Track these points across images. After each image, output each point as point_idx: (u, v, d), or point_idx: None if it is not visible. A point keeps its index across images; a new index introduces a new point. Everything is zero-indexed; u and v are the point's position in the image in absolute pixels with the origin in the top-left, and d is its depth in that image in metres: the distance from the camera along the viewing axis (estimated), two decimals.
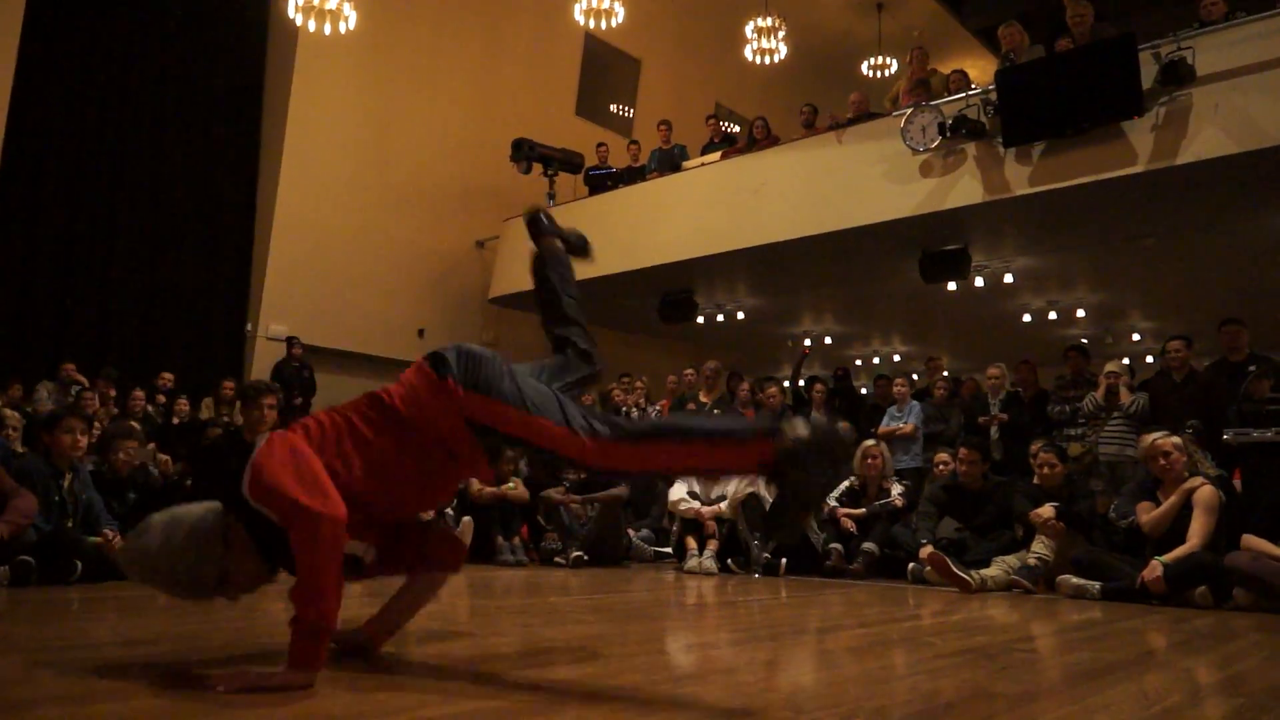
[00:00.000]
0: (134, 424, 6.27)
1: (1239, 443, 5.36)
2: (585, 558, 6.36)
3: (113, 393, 8.47)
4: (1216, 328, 7.03)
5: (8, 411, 5.97)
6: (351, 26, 9.45)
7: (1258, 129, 6.82)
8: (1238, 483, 5.68)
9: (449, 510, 6.79)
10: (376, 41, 11.55)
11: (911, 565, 5.74)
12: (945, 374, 9.24)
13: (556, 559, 6.43)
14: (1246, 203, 8.13)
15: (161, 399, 9.04)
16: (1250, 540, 4.58)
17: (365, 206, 11.76)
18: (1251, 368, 6.28)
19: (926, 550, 5.45)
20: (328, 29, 9.36)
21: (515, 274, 11.92)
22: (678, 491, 6.50)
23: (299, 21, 9.41)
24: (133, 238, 10.40)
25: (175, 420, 8.71)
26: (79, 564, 4.07)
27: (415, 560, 2.40)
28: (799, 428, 1.98)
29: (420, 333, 12.30)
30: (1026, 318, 12.35)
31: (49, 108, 9.79)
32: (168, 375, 9.29)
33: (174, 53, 10.84)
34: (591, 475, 6.47)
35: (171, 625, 3.06)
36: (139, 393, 8.52)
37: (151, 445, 7.25)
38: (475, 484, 6.53)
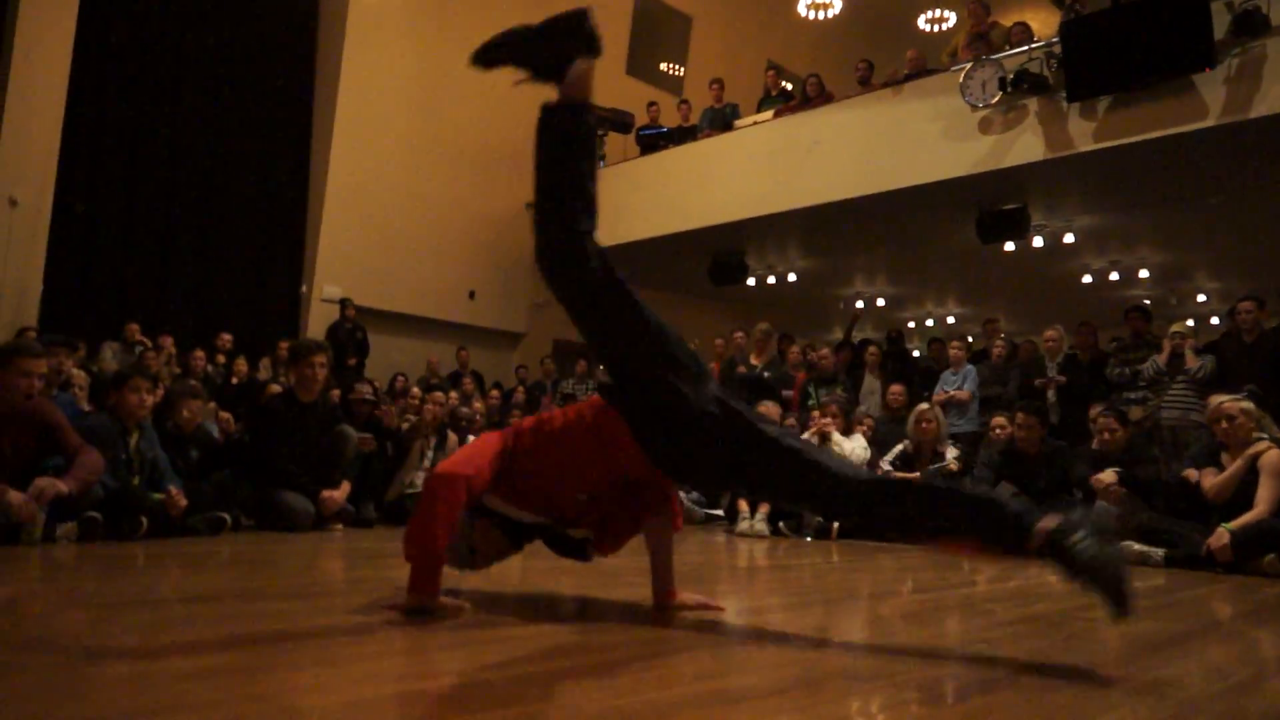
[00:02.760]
0: (196, 384, 6.40)
1: None
2: None
3: (174, 352, 8.67)
4: None
5: (75, 371, 6.12)
6: None
7: None
8: None
9: None
10: (426, 2, 11.51)
11: None
12: (1003, 336, 9.08)
13: None
14: None
15: (221, 359, 9.22)
16: None
17: (417, 169, 11.80)
18: None
19: None
20: None
21: None
22: None
23: None
24: (191, 201, 10.58)
25: (234, 380, 8.89)
26: (144, 520, 4.17)
27: (640, 513, 2.56)
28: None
29: (471, 294, 12.38)
30: (1087, 278, 12.06)
31: (108, 74, 9.95)
32: (226, 336, 9.47)
33: (229, 16, 10.92)
34: None
35: (233, 581, 3.13)
36: (200, 353, 8.71)
37: (211, 404, 7.40)
38: None
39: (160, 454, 4.70)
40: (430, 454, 6.33)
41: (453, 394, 8.61)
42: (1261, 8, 6.78)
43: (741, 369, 8.70)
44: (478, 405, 7.73)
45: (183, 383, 6.14)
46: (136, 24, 10.21)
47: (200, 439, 5.43)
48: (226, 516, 4.60)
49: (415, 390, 7.06)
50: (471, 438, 6.88)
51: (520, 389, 10.33)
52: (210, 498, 4.72)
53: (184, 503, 4.38)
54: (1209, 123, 7.09)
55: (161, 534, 4.23)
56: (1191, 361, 6.84)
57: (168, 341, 8.67)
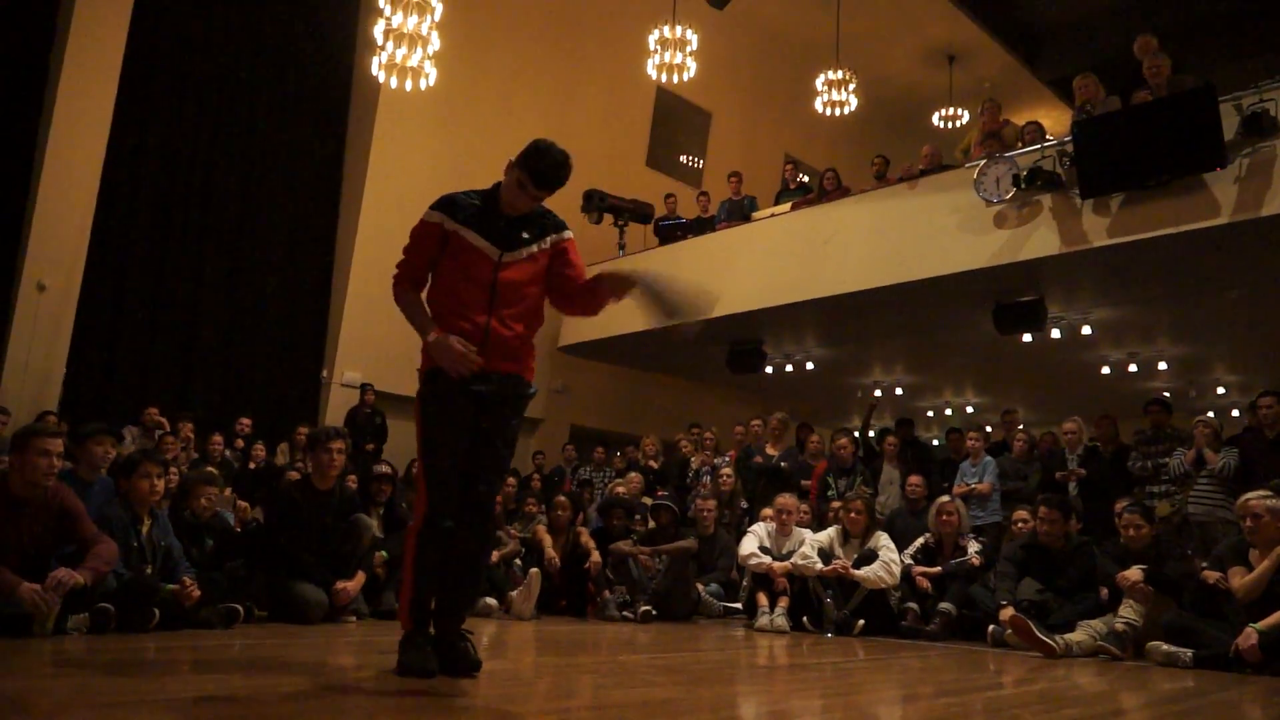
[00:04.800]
0: (212, 470, 6.41)
1: None
2: (654, 612, 6.27)
3: (192, 436, 8.68)
4: None
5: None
6: (432, 83, 9.72)
7: None
8: None
9: (517, 560, 6.78)
10: (454, 96, 11.85)
11: (992, 627, 5.55)
12: (1022, 427, 9.02)
13: (624, 613, 6.35)
14: None
15: (239, 444, 9.24)
16: None
17: None
18: None
19: (1008, 612, 5.26)
20: (409, 86, 9.64)
21: (584, 324, 11.99)
22: (748, 546, 6.40)
23: (382, 79, 9.72)
24: (217, 286, 10.76)
25: (251, 465, 8.89)
26: (156, 612, 4.13)
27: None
28: None
29: None
30: (1105, 370, 12.01)
31: (141, 162, 10.23)
32: (246, 421, 9.50)
33: (262, 108, 11.28)
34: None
35: (245, 679, 3.08)
36: (218, 437, 8.72)
37: (228, 491, 7.39)
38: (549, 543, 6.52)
39: (174, 542, 4.68)
40: None
41: None
42: (1270, 110, 6.89)
43: (758, 459, 8.64)
44: None
45: (199, 469, 6.15)
46: (170, 113, 10.51)
47: (216, 527, 5.41)
48: (240, 608, 4.56)
49: None
50: None
51: (536, 476, 10.26)
52: (224, 588, 4.68)
53: (197, 593, 4.33)
54: (1221, 220, 7.13)
55: (174, 625, 4.19)
56: (1213, 460, 6.77)
57: (186, 427, 8.69)
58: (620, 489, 7.74)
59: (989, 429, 9.97)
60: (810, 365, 12.31)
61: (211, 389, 10.49)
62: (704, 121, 15.31)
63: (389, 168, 11.72)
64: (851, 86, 12.09)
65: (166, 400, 9.38)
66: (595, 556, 6.52)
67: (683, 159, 15.41)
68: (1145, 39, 8.37)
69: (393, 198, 11.72)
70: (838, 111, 12.11)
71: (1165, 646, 4.77)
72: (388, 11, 9.45)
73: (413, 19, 9.48)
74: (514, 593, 6.04)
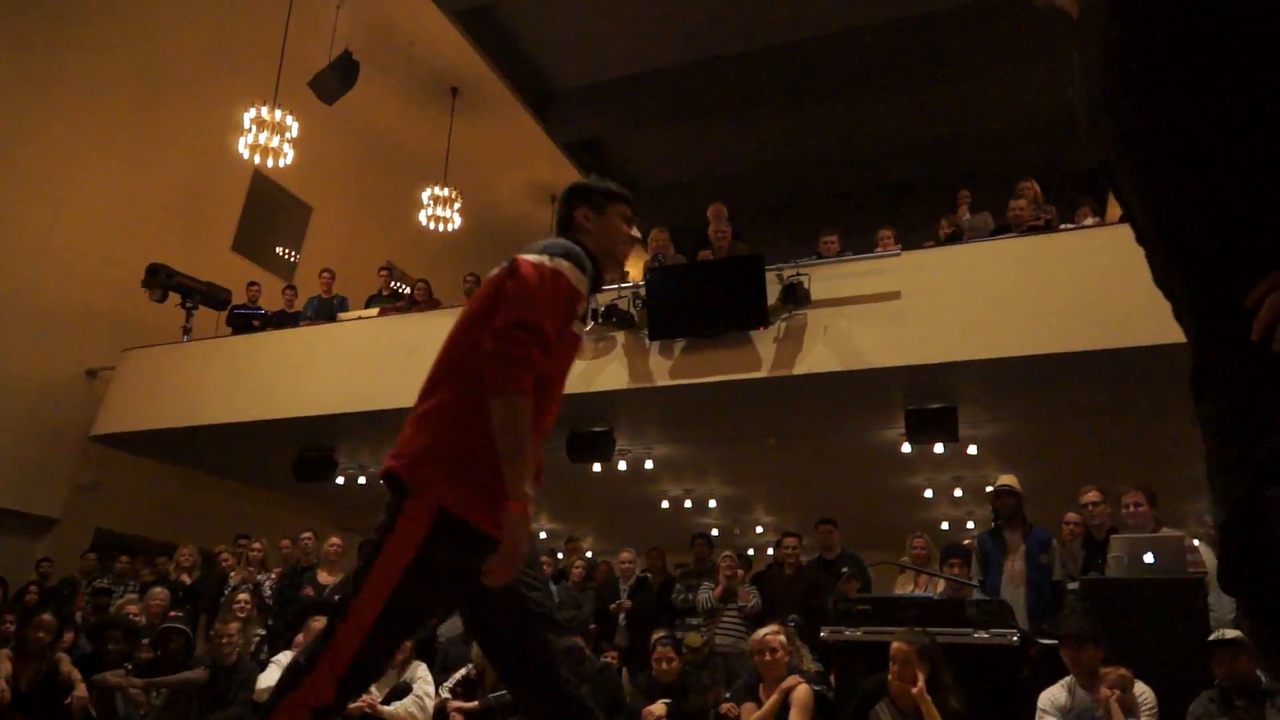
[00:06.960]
0: None
1: (834, 640, 5.63)
2: None
3: None
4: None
5: None
6: None
7: (856, 352, 7.69)
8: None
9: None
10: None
11: None
12: (588, 555, 9.21)
13: None
14: (848, 414, 9.09)
15: None
16: None
17: None
18: (845, 569, 6.80)
19: None
20: None
21: (128, 410, 10.55)
22: (270, 677, 5.70)
23: None
24: None
25: None
26: None
27: None
28: None
29: None
30: (665, 504, 12.82)
31: None
32: None
33: None
34: None
35: None
36: None
37: None
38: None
39: None
40: None
41: None
42: (804, 283, 7.91)
43: (308, 590, 7.80)
44: None
45: None
46: None
47: None
48: None
49: None
50: None
51: (34, 589, 8.52)
52: None
53: None
54: (762, 374, 7.97)
55: None
56: (746, 597, 7.32)
57: None
58: (132, 607, 6.64)
59: (560, 555, 10.10)
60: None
61: None
62: (304, 214, 14.63)
63: None
64: (457, 205, 12.23)
65: None
66: (80, 690, 5.44)
67: (279, 250, 14.53)
68: (717, 207, 9.39)
69: None
70: (442, 227, 12.15)
71: None
72: None
73: None
74: None
